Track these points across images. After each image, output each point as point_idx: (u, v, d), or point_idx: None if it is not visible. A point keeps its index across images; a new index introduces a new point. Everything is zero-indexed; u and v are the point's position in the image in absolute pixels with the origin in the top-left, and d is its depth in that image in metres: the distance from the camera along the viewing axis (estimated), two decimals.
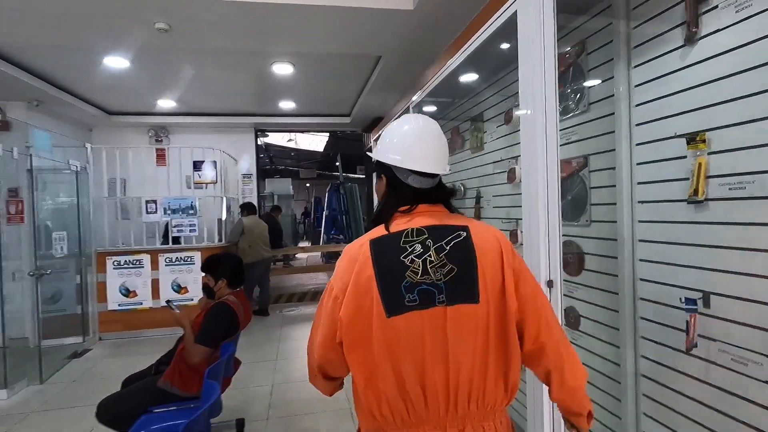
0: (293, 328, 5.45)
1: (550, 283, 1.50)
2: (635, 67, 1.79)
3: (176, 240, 5.45)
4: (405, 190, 1.09)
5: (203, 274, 2.58)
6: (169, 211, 5.30)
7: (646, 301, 1.78)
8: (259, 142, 16.27)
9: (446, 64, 2.44)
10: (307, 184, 23.68)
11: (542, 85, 1.48)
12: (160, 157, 6.60)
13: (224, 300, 2.46)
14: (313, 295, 7.33)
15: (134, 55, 4.06)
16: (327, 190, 12.70)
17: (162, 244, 5.73)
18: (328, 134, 15.51)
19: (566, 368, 1.02)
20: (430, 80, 2.93)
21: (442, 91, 3.23)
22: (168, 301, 2.53)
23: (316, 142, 17.25)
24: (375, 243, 1.03)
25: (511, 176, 2.55)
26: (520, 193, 1.59)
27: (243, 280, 2.64)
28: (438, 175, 1.12)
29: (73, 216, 4.92)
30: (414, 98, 3.44)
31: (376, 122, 6.56)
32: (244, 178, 6.93)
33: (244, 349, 4.80)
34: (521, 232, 1.76)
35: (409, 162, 1.08)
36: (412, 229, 1.03)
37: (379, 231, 1.06)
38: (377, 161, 1.14)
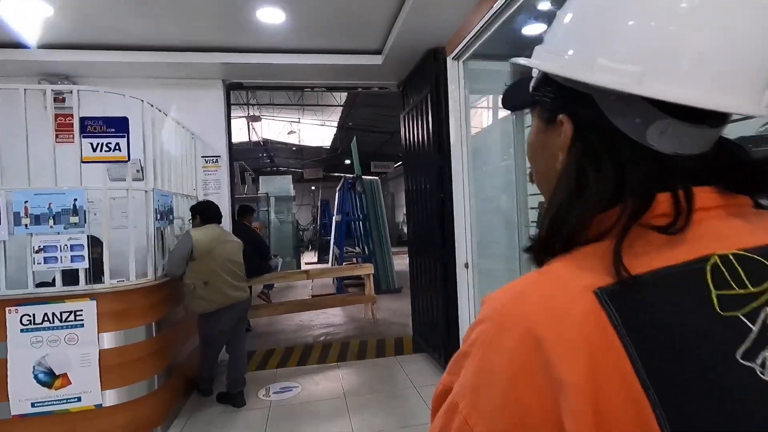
0: None
1: None
2: None
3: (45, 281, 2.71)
4: (640, 160, 0.38)
5: None
6: (26, 220, 2.55)
7: None
8: (254, 137, 13.67)
9: None
10: (312, 187, 21.23)
11: None
12: (62, 127, 3.87)
13: None
14: (325, 351, 4.52)
15: None
16: (337, 189, 9.89)
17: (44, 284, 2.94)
18: (336, 125, 12.91)
19: None
20: None
21: None
22: None
23: (321, 136, 14.77)
24: (620, 299, 0.33)
25: None
26: None
27: None
28: (726, 122, 0.39)
29: None
30: None
31: (424, 64, 3.77)
32: (207, 161, 4.17)
33: None
34: None
35: (674, 81, 0.35)
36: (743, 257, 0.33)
37: (589, 266, 0.36)
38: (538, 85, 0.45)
